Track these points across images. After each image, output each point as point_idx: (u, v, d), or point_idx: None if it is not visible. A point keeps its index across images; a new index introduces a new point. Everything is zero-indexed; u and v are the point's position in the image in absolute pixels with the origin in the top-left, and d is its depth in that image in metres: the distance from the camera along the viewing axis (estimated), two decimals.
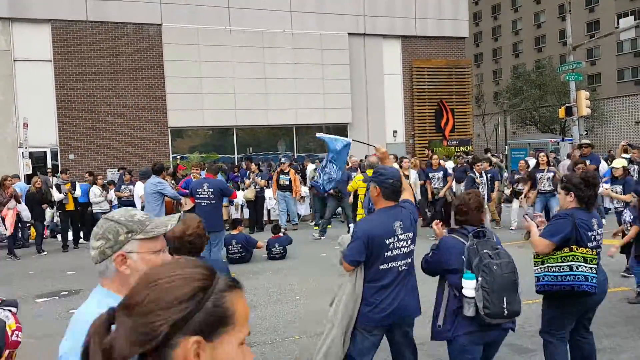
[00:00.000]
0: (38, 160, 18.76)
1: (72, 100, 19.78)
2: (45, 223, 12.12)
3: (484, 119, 50.32)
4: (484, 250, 3.20)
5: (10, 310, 2.97)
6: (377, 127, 24.71)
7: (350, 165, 14.74)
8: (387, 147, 20.49)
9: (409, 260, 3.57)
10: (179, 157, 19.77)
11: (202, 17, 21.21)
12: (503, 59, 58.99)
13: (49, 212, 11.88)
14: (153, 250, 1.65)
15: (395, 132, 25.31)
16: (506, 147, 33.45)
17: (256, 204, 13.78)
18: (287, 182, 13.05)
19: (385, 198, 3.54)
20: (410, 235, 3.56)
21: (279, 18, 22.62)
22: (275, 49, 22.37)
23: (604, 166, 12.10)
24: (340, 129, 24.42)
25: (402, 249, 3.50)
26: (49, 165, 19.13)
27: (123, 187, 13.25)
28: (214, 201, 8.50)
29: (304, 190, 14.70)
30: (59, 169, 18.27)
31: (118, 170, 18.62)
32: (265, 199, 14.29)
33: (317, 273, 8.59)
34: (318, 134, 5.63)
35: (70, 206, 12.42)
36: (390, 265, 3.46)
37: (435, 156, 13.32)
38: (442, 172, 12.61)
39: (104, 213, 12.58)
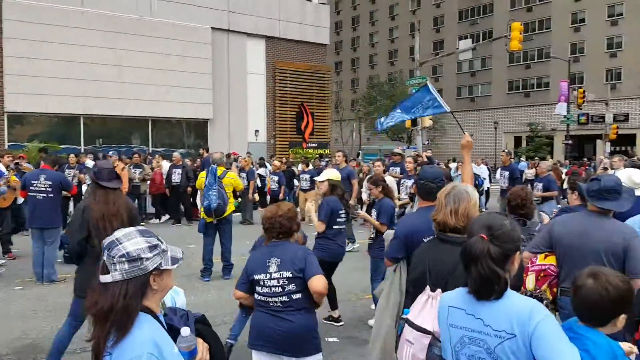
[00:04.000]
0: None
1: None
2: None
3: (341, 124, 52.79)
4: None
5: None
6: (238, 125, 24.63)
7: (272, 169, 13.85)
8: (248, 147, 20.54)
9: None
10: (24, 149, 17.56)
11: None
12: (360, 68, 62.43)
13: None
14: None
15: (257, 131, 25.45)
16: (360, 152, 35.53)
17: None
18: None
19: (422, 198, 3.57)
20: None
21: (138, 4, 21.48)
22: (132, 36, 21.18)
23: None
24: (201, 125, 23.92)
25: None
26: None
27: None
28: (51, 195, 7.65)
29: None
30: None
31: None
32: None
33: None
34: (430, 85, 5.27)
35: None
36: None
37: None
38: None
39: None
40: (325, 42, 28.03)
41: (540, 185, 9.34)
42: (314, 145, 27.49)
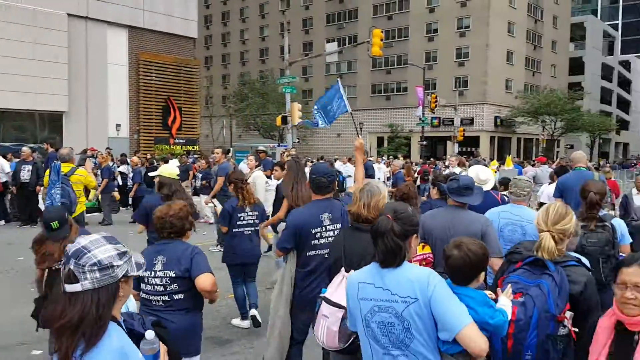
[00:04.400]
0: None
1: None
2: None
3: (211, 120, 51.93)
4: None
5: None
6: (98, 118, 23.18)
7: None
8: (109, 142, 19.71)
9: None
10: None
11: None
12: (231, 65, 61.82)
13: None
14: None
15: (118, 125, 24.17)
16: (231, 149, 35.33)
17: None
18: None
19: (314, 192, 3.88)
20: (339, 226, 3.86)
21: None
22: None
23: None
24: (55, 118, 22.15)
25: (329, 238, 3.79)
26: None
27: None
28: None
29: None
30: None
31: None
32: None
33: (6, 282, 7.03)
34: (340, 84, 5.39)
35: None
36: (316, 252, 3.80)
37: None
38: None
39: None
40: (193, 35, 27.45)
41: (390, 182, 10.26)
42: (182, 141, 26.80)
